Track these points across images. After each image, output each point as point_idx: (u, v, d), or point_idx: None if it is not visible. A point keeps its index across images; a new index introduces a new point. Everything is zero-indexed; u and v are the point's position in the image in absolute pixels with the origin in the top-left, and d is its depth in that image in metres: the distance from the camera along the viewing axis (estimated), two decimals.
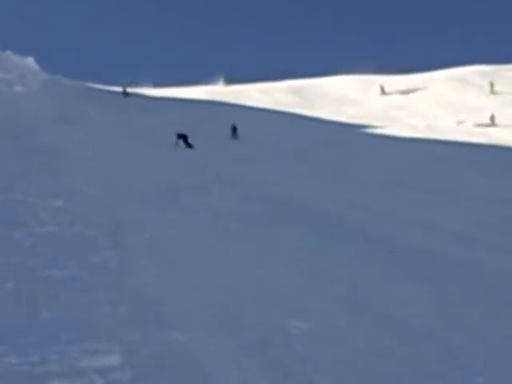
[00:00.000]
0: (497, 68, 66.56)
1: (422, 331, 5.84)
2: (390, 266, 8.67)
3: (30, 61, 46.49)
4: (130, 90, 48.37)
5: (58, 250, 6.55)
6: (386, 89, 57.48)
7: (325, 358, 4.85)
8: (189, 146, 27.61)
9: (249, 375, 4.32)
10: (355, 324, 5.83)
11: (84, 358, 4.07)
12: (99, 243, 7.14)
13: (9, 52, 46.26)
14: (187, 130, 28.39)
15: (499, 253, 10.54)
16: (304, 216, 12.61)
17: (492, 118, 51.39)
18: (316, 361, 4.75)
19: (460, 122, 49.26)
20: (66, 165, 13.65)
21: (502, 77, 63.21)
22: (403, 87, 60.93)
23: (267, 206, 13.10)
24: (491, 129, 47.61)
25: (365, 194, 18.74)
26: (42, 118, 23.45)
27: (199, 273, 6.75)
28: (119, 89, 49.45)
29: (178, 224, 9.49)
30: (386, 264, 8.75)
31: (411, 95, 58.75)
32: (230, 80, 63.37)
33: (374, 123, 47.98)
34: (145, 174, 15.50)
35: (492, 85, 58.34)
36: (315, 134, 36.12)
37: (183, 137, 28.57)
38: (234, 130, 32.55)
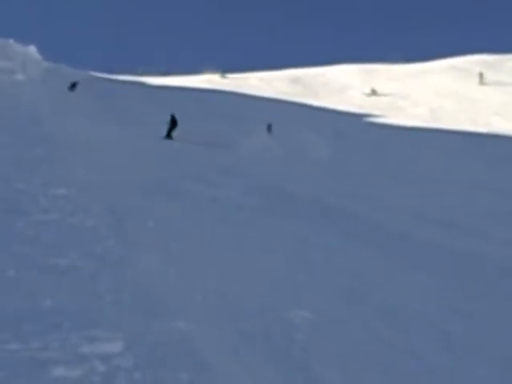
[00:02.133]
0: (497, 58, 66.44)
1: (423, 321, 5.86)
2: (391, 256, 8.69)
3: (32, 49, 46.47)
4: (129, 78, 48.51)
5: (59, 238, 6.56)
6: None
7: (326, 347, 4.86)
8: (169, 136, 26.67)
9: (250, 364, 4.34)
10: (356, 314, 5.85)
11: (86, 345, 4.09)
12: (101, 232, 7.15)
13: (11, 40, 46.25)
14: (189, 120, 28.34)
15: (502, 245, 10.55)
16: (305, 207, 12.61)
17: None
18: (317, 350, 4.77)
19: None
20: (67, 154, 13.65)
21: (503, 67, 63.09)
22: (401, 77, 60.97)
23: (269, 197, 13.10)
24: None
25: (366, 186, 18.73)
26: (42, 106, 23.42)
27: (201, 262, 6.76)
28: (123, 78, 49.49)
29: (180, 214, 9.49)
30: (388, 255, 8.77)
31: (412, 84, 58.63)
32: (228, 70, 63.41)
33: (376, 112, 47.95)
34: (146, 163, 15.50)
35: (481, 75, 57.85)
36: (320, 124, 36.10)
37: (172, 124, 27.66)
38: (269, 127, 32.26)
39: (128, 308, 4.88)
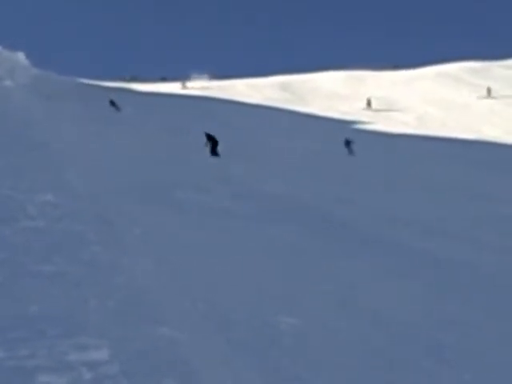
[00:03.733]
0: (485, 64, 66.77)
1: (415, 330, 5.87)
2: (381, 263, 8.70)
3: (21, 56, 46.39)
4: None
5: (46, 245, 6.53)
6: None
7: (315, 355, 4.86)
8: (215, 153, 24.23)
9: (238, 372, 4.33)
10: (346, 322, 5.85)
11: (72, 352, 4.07)
12: (88, 238, 7.12)
13: None
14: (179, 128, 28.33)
15: (494, 252, 10.58)
16: (294, 213, 12.63)
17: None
18: (306, 358, 4.76)
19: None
20: (55, 160, 13.60)
21: (491, 73, 63.43)
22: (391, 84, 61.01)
23: (259, 203, 13.11)
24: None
25: (355, 192, 18.77)
26: (31, 113, 23.35)
27: (189, 269, 6.74)
28: (111, 85, 49.47)
29: (169, 220, 9.48)
30: (378, 262, 8.77)
31: (400, 91, 58.77)
32: (214, 76, 63.29)
33: (365, 119, 48.08)
34: (136, 170, 15.48)
35: (489, 90, 57.34)
36: (307, 131, 36.17)
37: (212, 141, 24.86)
38: (348, 143, 31.70)
39: (115, 315, 4.86)
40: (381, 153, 32.45)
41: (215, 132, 25.53)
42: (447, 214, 15.76)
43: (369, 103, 54.47)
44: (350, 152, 31.26)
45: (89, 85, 48.99)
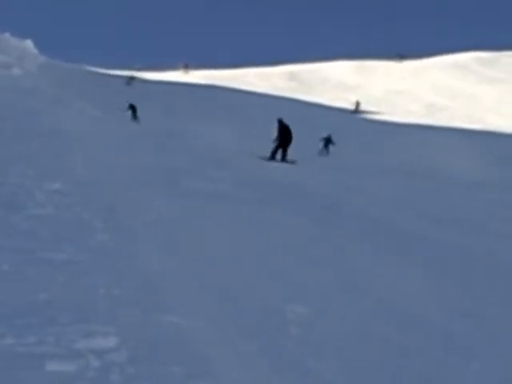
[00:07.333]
0: (493, 55, 66.54)
1: (423, 319, 5.84)
2: (392, 253, 8.66)
3: (29, 43, 46.41)
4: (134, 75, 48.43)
5: (55, 232, 6.53)
6: None
7: (322, 342, 4.85)
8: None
9: (245, 359, 4.33)
10: (354, 310, 5.83)
11: (81, 339, 4.07)
12: (97, 226, 7.13)
13: (7, 34, 46.11)
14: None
15: (505, 240, 10.53)
16: (303, 200, 12.62)
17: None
18: (313, 345, 4.76)
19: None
20: (63, 147, 13.63)
21: (500, 63, 63.16)
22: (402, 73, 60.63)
23: (266, 190, 13.12)
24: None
25: (363, 180, 18.75)
26: (38, 100, 23.36)
27: (198, 256, 6.74)
28: (119, 73, 49.46)
29: (177, 207, 9.47)
30: (389, 251, 8.73)
31: (410, 81, 58.61)
32: (224, 65, 63.23)
33: (374, 109, 47.97)
34: (143, 157, 15.50)
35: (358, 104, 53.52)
36: (313, 120, 36.12)
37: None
38: (327, 142, 31.15)
39: (123, 302, 4.86)
40: (387, 142, 32.41)
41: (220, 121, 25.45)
42: (457, 203, 15.74)
43: (357, 106, 53.24)
44: (327, 152, 30.52)
45: (96, 73, 48.97)
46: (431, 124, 42.71)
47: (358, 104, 53.08)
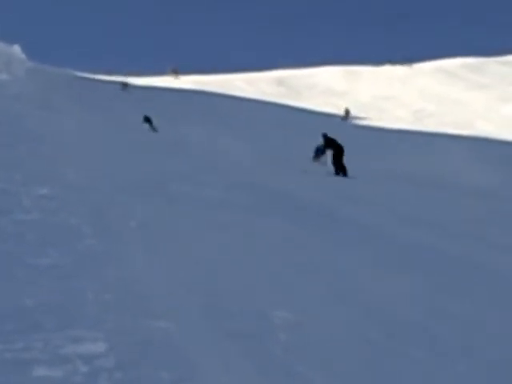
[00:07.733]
0: (481, 60, 66.91)
1: (410, 323, 5.85)
2: (378, 258, 8.67)
3: (16, 49, 46.20)
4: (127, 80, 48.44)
5: (41, 237, 6.51)
6: None
7: (310, 348, 4.85)
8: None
9: (233, 364, 4.32)
10: (341, 315, 5.84)
11: (68, 345, 4.06)
12: (84, 231, 7.11)
13: None
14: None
15: (495, 248, 10.53)
16: (292, 206, 12.62)
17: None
18: (300, 351, 4.76)
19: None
20: (50, 152, 13.57)
21: (487, 70, 63.53)
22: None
23: (255, 195, 13.10)
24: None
25: (352, 186, 18.78)
26: (26, 105, 23.27)
27: (185, 261, 6.74)
28: (106, 78, 49.43)
29: (164, 212, 9.46)
30: (375, 256, 8.75)
31: (397, 86, 58.82)
32: (212, 70, 63.31)
33: (362, 115, 48.12)
34: (131, 161, 15.46)
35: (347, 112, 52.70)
36: (300, 126, 36.18)
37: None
38: (318, 152, 30.45)
39: (111, 307, 4.85)
40: (376, 148, 32.50)
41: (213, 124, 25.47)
42: (444, 209, 15.77)
43: (346, 113, 52.59)
44: (317, 159, 29.97)
45: (84, 78, 48.90)
46: (420, 130, 42.85)
47: (347, 112, 52.70)
